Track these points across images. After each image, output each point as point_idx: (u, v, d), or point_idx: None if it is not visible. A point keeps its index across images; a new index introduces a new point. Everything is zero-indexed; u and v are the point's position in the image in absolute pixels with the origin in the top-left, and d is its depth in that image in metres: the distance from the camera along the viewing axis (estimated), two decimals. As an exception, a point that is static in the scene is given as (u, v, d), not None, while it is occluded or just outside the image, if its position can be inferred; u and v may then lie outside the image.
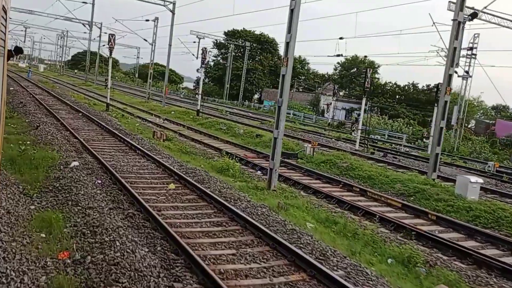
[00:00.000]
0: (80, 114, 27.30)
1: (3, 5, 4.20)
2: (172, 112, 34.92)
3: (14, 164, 12.53)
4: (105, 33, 68.18)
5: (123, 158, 15.38)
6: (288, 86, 13.10)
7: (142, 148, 16.90)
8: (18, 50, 5.47)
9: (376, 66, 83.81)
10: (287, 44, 13.00)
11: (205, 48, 33.90)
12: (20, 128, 19.72)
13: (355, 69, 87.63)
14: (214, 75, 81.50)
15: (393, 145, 33.13)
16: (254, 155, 19.86)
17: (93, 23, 58.11)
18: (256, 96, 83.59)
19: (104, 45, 70.74)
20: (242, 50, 78.76)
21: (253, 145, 23.13)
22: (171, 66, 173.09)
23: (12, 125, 19.94)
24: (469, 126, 51.91)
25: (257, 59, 78.96)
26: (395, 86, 63.14)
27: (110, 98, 38.00)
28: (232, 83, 74.04)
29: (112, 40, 29.76)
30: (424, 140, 32.94)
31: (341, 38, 34.79)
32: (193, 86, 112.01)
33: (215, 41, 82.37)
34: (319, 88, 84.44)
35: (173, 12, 38.65)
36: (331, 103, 65.71)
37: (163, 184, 12.34)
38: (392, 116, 54.83)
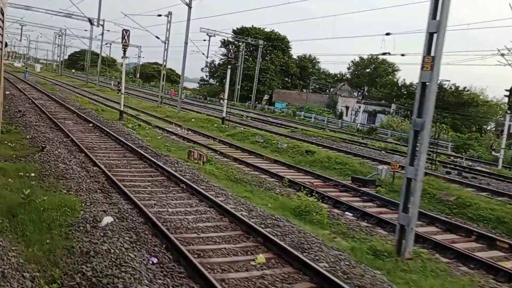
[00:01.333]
0: (91, 125, 22.89)
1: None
2: (193, 120, 30.53)
3: (14, 222, 8.17)
4: (108, 30, 63.96)
5: (166, 198, 11.01)
6: (433, 99, 8.75)
7: (184, 179, 12.54)
8: None
9: (396, 68, 79.86)
10: (431, 36, 8.62)
11: (229, 46, 29.46)
12: (20, 148, 15.32)
13: (369, 69, 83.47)
14: (223, 75, 77.05)
15: (451, 158, 28.61)
16: (321, 183, 15.49)
17: (97, 19, 53.45)
18: (265, 97, 79.14)
19: (106, 44, 66.40)
20: (252, 48, 74.43)
21: (308, 165, 18.79)
22: (170, 66, 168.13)
23: (9, 144, 15.57)
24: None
25: (267, 58, 74.57)
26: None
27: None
28: (243, 83, 69.62)
29: (126, 37, 25.38)
30: (493, 152, 28.48)
31: (387, 34, 30.42)
32: (198, 87, 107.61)
33: (223, 40, 78.11)
34: (332, 89, 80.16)
35: (189, 5, 34.23)
36: (348, 106, 61.55)
37: (245, 253, 7.99)
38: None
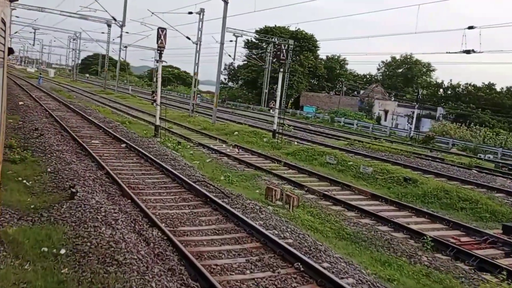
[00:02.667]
0: (124, 145, 18.50)
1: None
2: (236, 133, 26.02)
3: None
4: (127, 32, 59.85)
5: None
6: None
7: (294, 251, 8.05)
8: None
9: (432, 69, 74.88)
10: None
11: (281, 46, 24.93)
12: (39, 189, 11.00)
13: (401, 69, 78.41)
14: (247, 78, 72.62)
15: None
16: (468, 238, 10.85)
17: (123, 19, 49.09)
18: (290, 101, 74.50)
19: (126, 47, 62.26)
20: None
21: (419, 201, 14.16)
22: (185, 68, 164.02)
23: (24, 181, 11.28)
24: None
25: (295, 59, 69.90)
26: (472, 87, 53.48)
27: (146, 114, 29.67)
28: (269, 86, 65.05)
29: (162, 37, 20.95)
30: None
31: (470, 28, 25.54)
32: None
33: (247, 40, 73.73)
34: (362, 91, 75.25)
35: (226, 0, 29.76)
36: (387, 110, 56.68)
37: None
38: (474, 124, 45.49)
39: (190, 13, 32.70)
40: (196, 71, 33.82)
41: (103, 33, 62.43)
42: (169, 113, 36.30)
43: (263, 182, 14.65)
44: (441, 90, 56.85)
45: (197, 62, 33.43)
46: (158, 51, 21.24)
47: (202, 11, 33.13)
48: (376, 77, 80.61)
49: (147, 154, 16.45)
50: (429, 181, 15.69)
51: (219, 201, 10.94)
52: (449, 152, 32.40)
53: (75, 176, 12.14)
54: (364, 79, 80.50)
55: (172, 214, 10.06)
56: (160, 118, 22.63)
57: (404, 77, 74.96)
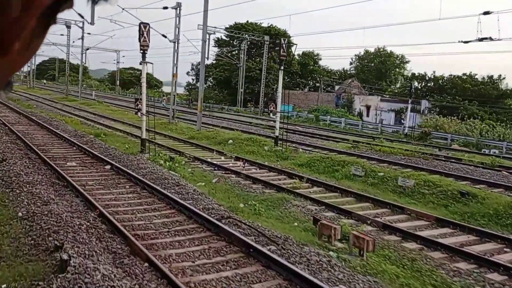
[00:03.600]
0: (109, 167, 15.08)
1: None
2: (230, 142, 22.83)
3: None
4: (89, 33, 55.44)
5: None
6: None
7: None
8: None
9: (406, 60, 73.56)
10: None
11: (280, 41, 21.81)
12: (8, 253, 7.60)
13: (373, 63, 76.71)
14: (220, 77, 69.25)
15: None
16: None
17: (83, 18, 44.69)
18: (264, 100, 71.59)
19: (88, 49, 57.84)
20: (252, 47, 66.89)
21: (495, 222, 11.41)
22: (148, 70, 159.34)
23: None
24: None
25: (269, 56, 67.02)
26: (457, 79, 51.81)
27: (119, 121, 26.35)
28: (244, 86, 61.91)
29: (145, 34, 17.52)
30: None
31: (486, 13, 23.10)
32: (186, 92, 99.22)
33: (217, 39, 70.45)
34: (337, 87, 73.16)
35: (206, -8, 26.49)
36: (369, 105, 54.55)
37: None
38: (461, 117, 43.73)
39: (165, 8, 29.22)
40: (175, 72, 30.34)
41: (62, 35, 57.69)
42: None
43: (297, 209, 11.62)
44: (421, 82, 55.01)
45: (175, 62, 29.96)
46: (141, 51, 17.79)
47: (178, 5, 29.66)
48: (349, 72, 78.69)
49: (141, 178, 13.12)
50: (490, 194, 13.00)
51: (269, 253, 7.84)
52: (451, 148, 30.24)
53: (59, 224, 8.77)
54: (338, 74, 78.47)
55: (214, 282, 6.89)
56: (147, 129, 19.18)
57: (378, 71, 73.29)
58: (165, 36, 29.24)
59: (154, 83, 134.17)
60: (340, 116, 49.59)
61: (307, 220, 10.68)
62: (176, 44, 29.76)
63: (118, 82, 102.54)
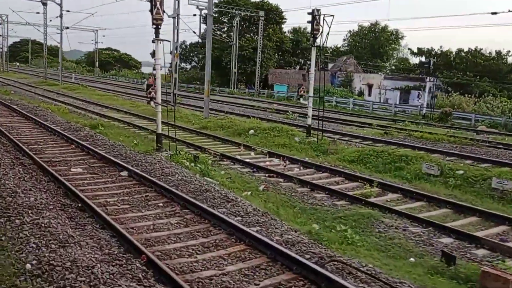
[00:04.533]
0: (125, 174, 11.82)
1: None
2: (251, 132, 19.73)
3: None
4: (68, 11, 51.01)
5: None
6: None
7: None
8: None
9: (400, 36, 70.78)
10: None
11: (315, 15, 18.40)
12: None
13: (368, 39, 73.70)
14: (200, 58, 65.19)
15: None
16: None
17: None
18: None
19: (67, 27, 53.40)
20: (245, 24, 63.15)
21: None
22: (126, 50, 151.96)
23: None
24: None
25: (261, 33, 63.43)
26: (464, 54, 49.03)
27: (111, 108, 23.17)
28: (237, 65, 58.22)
29: (158, 5, 14.16)
30: None
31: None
32: (169, 73, 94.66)
33: (205, 15, 66.24)
34: (330, 65, 70.03)
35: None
36: (372, 83, 51.66)
37: None
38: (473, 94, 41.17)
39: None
40: (176, 52, 26.84)
41: (38, 13, 53.01)
42: (141, 106, 29.39)
43: (397, 233, 8.71)
44: (427, 58, 52.18)
45: (176, 40, 26.49)
46: (154, 26, 14.43)
47: (178, -24, 26.05)
48: (342, 49, 75.61)
49: (177, 192, 9.99)
50: None
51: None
52: (478, 130, 27.66)
53: (91, 285, 5.66)
54: (330, 52, 75.21)
55: None
56: (167, 123, 15.94)
57: (371, 47, 70.32)
58: (164, 11, 25.50)
59: (133, 64, 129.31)
60: (343, 96, 46.68)
61: (425, 253, 7.78)
62: (176, 20, 26.23)
63: (97, 64, 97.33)
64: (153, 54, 15.04)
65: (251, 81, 62.64)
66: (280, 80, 63.95)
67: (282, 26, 66.82)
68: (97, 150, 14.24)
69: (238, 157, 15.16)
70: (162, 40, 14.57)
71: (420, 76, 48.57)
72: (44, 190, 9.96)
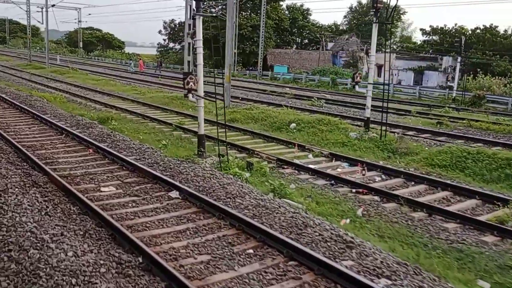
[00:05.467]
0: (176, 194, 8.77)
1: None
2: (293, 125, 16.75)
3: None
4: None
5: None
6: None
7: None
8: None
9: (403, 11, 67.77)
10: None
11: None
12: None
13: (368, 17, 70.43)
14: (205, 36, 61.35)
15: None
16: None
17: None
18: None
19: (53, 5, 49.14)
20: (241, 2, 59.40)
21: None
22: (109, 30, 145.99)
23: None
24: None
25: (259, 12, 59.77)
26: (477, 31, 46.20)
27: (110, 94, 20.19)
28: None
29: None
30: None
31: None
32: (158, 54, 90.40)
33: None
34: (331, 44, 66.94)
35: None
36: (381, 64, 48.63)
37: None
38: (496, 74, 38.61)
39: None
40: (188, 30, 23.51)
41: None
42: (147, 93, 26.12)
43: None
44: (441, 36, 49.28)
45: (189, 17, 23.19)
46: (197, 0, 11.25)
47: None
48: (341, 27, 72.39)
49: (267, 230, 7.05)
50: None
51: None
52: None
53: None
54: (331, 30, 71.96)
55: None
56: (220, 123, 12.88)
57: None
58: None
59: (116, 44, 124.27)
60: (341, 77, 43.63)
61: None
62: (189, -5, 22.88)
63: (81, 44, 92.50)
64: (192, 34, 11.84)
65: (249, 62, 59.33)
66: (280, 60, 60.85)
67: (281, 3, 63.36)
68: (124, 157, 11.17)
69: (297, 161, 12.23)
70: (206, 16, 11.41)
71: (432, 55, 45.84)
72: (81, 232, 6.92)
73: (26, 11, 48.68)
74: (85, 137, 13.34)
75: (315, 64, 58.72)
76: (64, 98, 23.27)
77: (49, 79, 34.80)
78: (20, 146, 11.91)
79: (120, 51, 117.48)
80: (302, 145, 13.94)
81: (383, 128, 14.54)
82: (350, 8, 70.01)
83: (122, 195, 8.94)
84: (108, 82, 33.49)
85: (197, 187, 9.39)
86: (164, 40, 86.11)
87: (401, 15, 68.86)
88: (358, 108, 24.17)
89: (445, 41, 46.52)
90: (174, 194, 9.01)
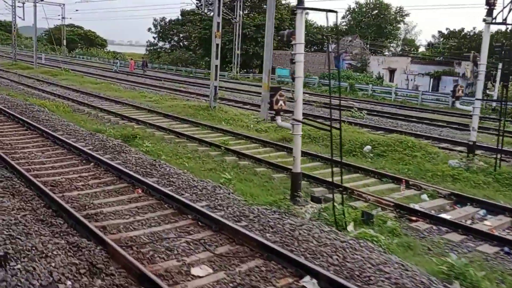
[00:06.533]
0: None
1: None
2: (367, 148, 13.65)
3: None
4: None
5: None
6: None
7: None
8: None
9: (405, 13, 65.40)
10: None
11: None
12: None
13: (368, 17, 68.04)
14: (203, 36, 57.89)
15: None
16: None
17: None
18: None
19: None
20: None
21: None
22: (90, 27, 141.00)
23: None
24: None
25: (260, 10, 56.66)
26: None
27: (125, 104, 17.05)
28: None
29: None
30: None
31: None
32: (147, 53, 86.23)
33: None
34: (331, 45, 63.83)
35: None
36: (394, 68, 46.04)
37: None
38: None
39: None
40: (216, 30, 20.19)
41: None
42: (160, 101, 22.76)
43: None
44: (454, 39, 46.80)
45: (218, 14, 19.87)
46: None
47: None
48: (343, 27, 69.60)
49: None
50: None
51: None
52: None
53: None
54: (328, 30, 68.85)
55: None
56: (334, 160, 9.70)
57: (378, 27, 64.70)
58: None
59: (100, 42, 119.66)
60: (368, 83, 40.84)
61: None
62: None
63: (64, 42, 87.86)
64: (288, 36, 8.56)
65: (251, 64, 56.07)
66: (282, 63, 57.72)
67: (283, 2, 60.20)
68: (198, 208, 7.89)
69: (417, 206, 9.14)
70: (307, 9, 8.22)
71: (444, 59, 43.34)
72: None
73: (12, 5, 44.45)
74: (124, 169, 10.01)
75: (318, 67, 55.89)
76: (68, 107, 19.77)
77: (41, 81, 31.00)
78: (41, 185, 8.58)
79: (102, 49, 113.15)
80: (408, 179, 10.80)
81: (498, 155, 11.49)
82: (348, 9, 67.27)
83: (228, 285, 5.69)
84: (108, 85, 29.90)
85: (329, 264, 6.22)
86: (154, 38, 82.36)
87: (403, 17, 66.63)
88: (406, 121, 21.27)
89: (464, 45, 44.09)
90: (308, 282, 5.80)
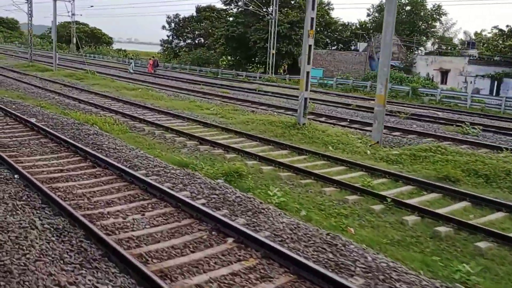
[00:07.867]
0: None
1: None
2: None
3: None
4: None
5: None
6: None
7: None
8: None
9: (442, 12, 61.10)
10: None
11: None
12: None
13: (400, 14, 63.60)
14: (232, 34, 53.54)
15: None
16: None
17: None
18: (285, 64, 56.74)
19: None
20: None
21: None
22: (95, 25, 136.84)
23: None
24: None
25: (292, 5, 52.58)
26: None
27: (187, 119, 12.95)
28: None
29: None
30: None
31: None
32: (162, 51, 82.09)
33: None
34: (364, 45, 59.97)
35: None
36: (448, 69, 41.88)
37: None
38: None
39: None
40: (310, 27, 16.26)
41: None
42: (225, 113, 18.78)
43: None
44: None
45: (312, 6, 15.90)
46: None
47: None
48: (369, 25, 65.43)
49: None
50: None
51: None
52: None
53: None
54: (354, 29, 64.79)
55: None
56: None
57: (411, 24, 60.45)
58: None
59: (106, 40, 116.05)
60: (424, 86, 36.69)
61: None
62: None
63: (75, 40, 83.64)
64: None
65: (281, 64, 51.98)
66: (313, 63, 53.57)
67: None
68: None
69: None
70: None
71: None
72: None
73: (27, 1, 40.36)
74: (303, 261, 6.04)
75: (350, 67, 52.10)
76: (122, 124, 15.76)
77: (69, 87, 27.02)
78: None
79: (108, 47, 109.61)
80: None
81: None
82: (372, 5, 62.97)
83: None
84: (146, 92, 25.90)
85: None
86: (168, 36, 78.54)
87: (441, 16, 62.38)
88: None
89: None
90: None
